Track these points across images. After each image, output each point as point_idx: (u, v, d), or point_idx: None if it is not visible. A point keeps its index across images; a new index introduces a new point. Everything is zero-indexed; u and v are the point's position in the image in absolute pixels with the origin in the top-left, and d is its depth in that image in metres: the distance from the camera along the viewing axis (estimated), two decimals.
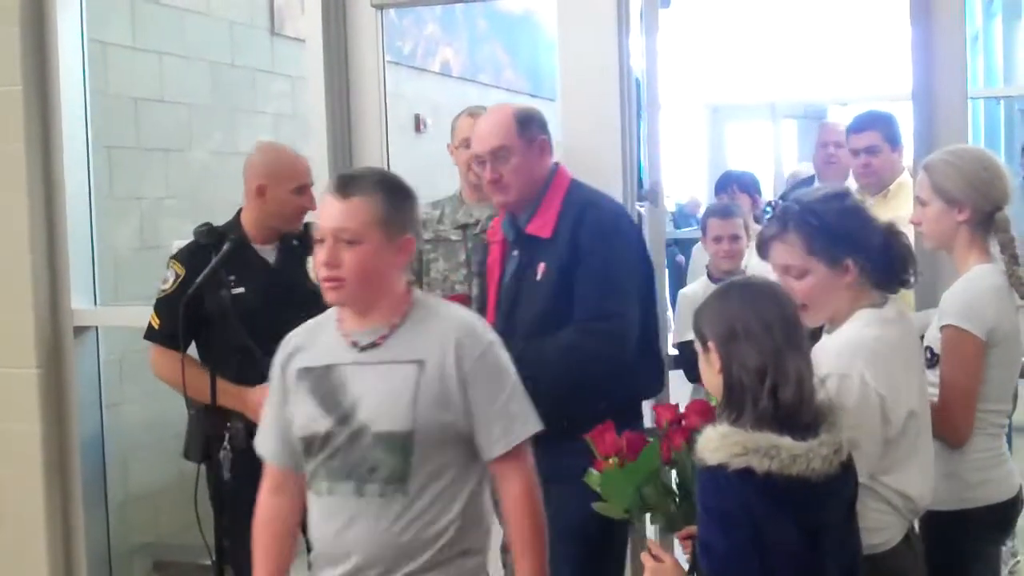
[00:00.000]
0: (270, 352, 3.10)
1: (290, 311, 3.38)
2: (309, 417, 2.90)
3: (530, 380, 3.03)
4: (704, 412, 2.76)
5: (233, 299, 3.87)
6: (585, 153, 4.26)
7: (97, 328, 5.13)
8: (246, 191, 4.06)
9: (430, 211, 4.39)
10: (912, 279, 2.96)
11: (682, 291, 5.32)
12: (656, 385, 3.93)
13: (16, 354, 4.95)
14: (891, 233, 2.91)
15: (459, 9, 9.33)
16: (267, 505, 3.09)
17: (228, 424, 3.89)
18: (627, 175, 4.32)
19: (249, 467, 3.31)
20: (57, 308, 5.01)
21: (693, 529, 2.64)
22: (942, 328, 3.15)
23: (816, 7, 12.26)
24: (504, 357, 2.93)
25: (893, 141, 4.74)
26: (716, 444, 2.37)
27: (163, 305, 3.98)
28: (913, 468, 2.82)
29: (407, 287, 2.96)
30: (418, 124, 8.42)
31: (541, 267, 3.63)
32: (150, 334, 4.03)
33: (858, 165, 4.81)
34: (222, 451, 3.90)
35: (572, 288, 3.58)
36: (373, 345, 2.88)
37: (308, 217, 4.08)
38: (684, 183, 13.96)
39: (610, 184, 4.24)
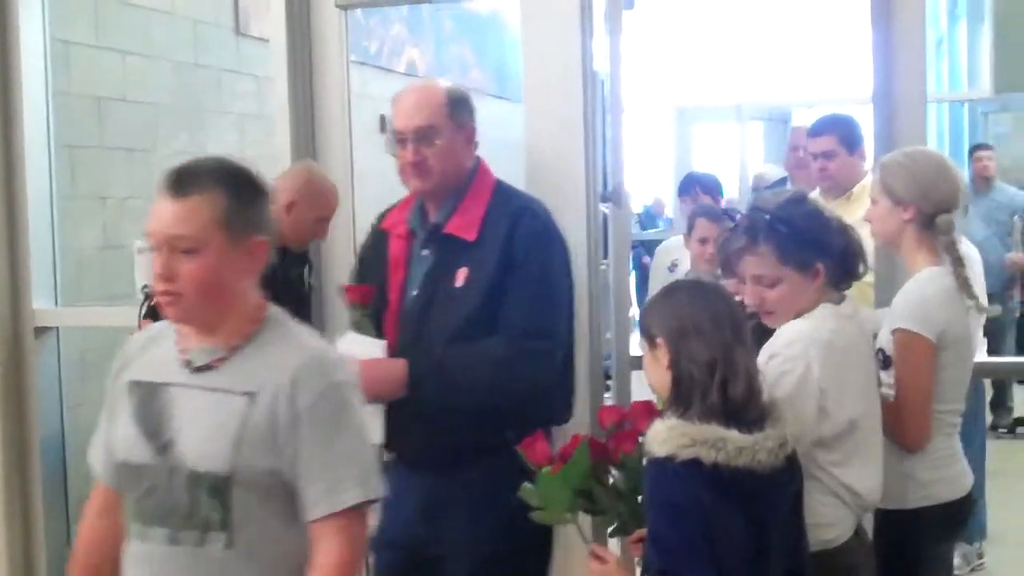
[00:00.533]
0: None
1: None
2: (128, 441, 2.54)
3: (445, 391, 3.01)
4: (650, 412, 2.78)
5: None
6: (548, 154, 4.27)
7: (58, 328, 5.10)
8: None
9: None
10: (864, 271, 3.02)
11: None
12: (566, 412, 3.57)
13: None
14: (845, 228, 2.98)
15: (425, 9, 9.33)
16: (90, 528, 2.75)
17: None
18: (590, 176, 4.32)
19: None
20: (18, 308, 4.97)
21: (643, 532, 2.65)
22: (893, 331, 3.18)
23: (782, 10, 12.32)
24: (353, 403, 2.51)
25: (851, 145, 4.76)
26: (664, 436, 2.41)
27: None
28: (861, 464, 2.86)
29: (262, 301, 2.60)
30: (383, 124, 8.41)
31: (462, 273, 3.30)
32: None
33: (815, 169, 4.84)
34: None
35: (500, 300, 3.26)
36: (208, 367, 2.51)
37: None
38: (650, 185, 14.01)
39: (573, 185, 4.25)
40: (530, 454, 2.84)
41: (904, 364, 3.16)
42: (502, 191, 3.48)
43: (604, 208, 4.60)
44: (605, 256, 5.04)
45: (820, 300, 2.91)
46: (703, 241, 4.99)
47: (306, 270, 4.32)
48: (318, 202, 4.22)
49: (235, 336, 2.51)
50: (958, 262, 3.25)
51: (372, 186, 6.54)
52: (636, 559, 2.76)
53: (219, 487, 2.42)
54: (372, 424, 3.05)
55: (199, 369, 2.50)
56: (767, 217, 2.92)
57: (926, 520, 3.23)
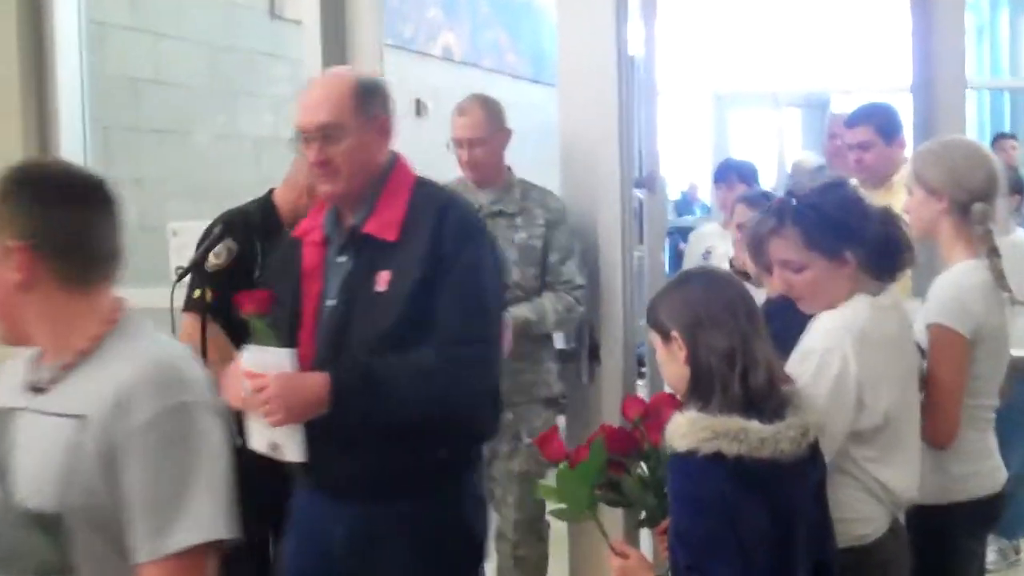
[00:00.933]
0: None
1: None
2: None
3: (374, 406, 2.78)
4: (674, 403, 2.70)
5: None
6: (582, 139, 4.25)
7: None
8: (293, 176, 3.99)
9: None
10: (908, 263, 2.93)
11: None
12: (495, 424, 3.22)
13: None
14: (887, 219, 2.88)
15: None
16: None
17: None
18: (625, 161, 4.31)
19: None
20: None
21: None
22: (928, 326, 3.13)
23: None
24: (198, 428, 2.07)
25: (889, 134, 4.62)
26: (685, 430, 2.36)
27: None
28: (897, 460, 2.80)
29: (116, 303, 2.21)
30: (419, 109, 8.40)
31: (384, 276, 2.93)
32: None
33: (852, 160, 4.76)
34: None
35: (428, 304, 2.92)
36: (47, 387, 2.14)
37: None
38: (687, 171, 13.95)
39: (607, 171, 4.24)
40: (546, 451, 2.79)
41: (938, 360, 3.11)
42: (423, 187, 3.10)
43: (638, 194, 4.58)
44: (640, 242, 5.03)
45: (856, 290, 2.85)
46: (741, 227, 4.86)
47: None
48: None
49: (80, 343, 2.13)
50: (994, 252, 3.19)
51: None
52: (663, 549, 2.73)
53: (51, 526, 2.06)
54: (290, 442, 2.87)
55: (39, 390, 2.14)
56: (795, 201, 2.87)
57: (958, 515, 3.19)
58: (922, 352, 3.11)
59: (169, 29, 5.98)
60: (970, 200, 3.19)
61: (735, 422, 2.33)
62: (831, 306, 2.85)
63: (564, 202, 4.32)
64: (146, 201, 5.79)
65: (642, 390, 4.87)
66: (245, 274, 3.73)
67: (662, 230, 4.60)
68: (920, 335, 3.14)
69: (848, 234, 2.81)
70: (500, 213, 4.30)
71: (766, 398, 2.40)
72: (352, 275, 2.99)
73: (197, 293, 3.85)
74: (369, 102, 3.01)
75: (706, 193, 12.88)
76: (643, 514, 2.73)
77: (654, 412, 2.72)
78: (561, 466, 2.71)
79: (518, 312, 4.17)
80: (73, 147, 5.00)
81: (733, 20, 12.74)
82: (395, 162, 3.08)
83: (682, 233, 9.91)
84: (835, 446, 2.71)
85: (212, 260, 3.85)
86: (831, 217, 2.81)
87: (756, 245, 3.01)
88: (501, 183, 4.36)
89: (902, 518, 2.99)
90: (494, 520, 4.39)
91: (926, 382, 3.09)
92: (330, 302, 3.01)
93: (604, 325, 4.28)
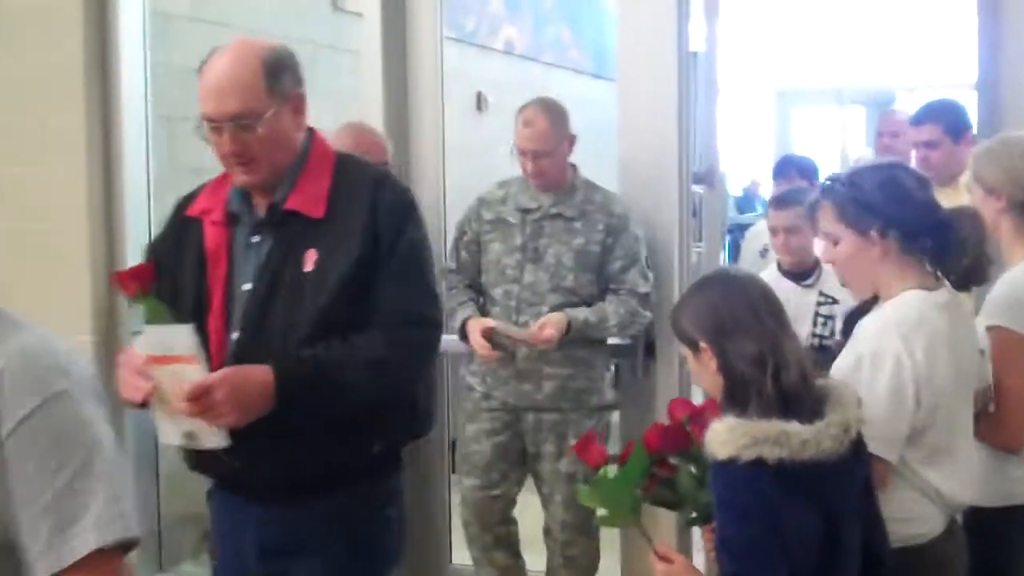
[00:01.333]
0: None
1: None
2: None
3: (323, 400, 2.61)
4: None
5: None
6: (642, 134, 4.24)
7: None
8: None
9: (495, 191, 4.40)
10: (977, 272, 2.81)
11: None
12: (431, 419, 3.14)
13: (72, 322, 4.97)
14: (957, 216, 2.80)
15: None
16: None
17: None
18: (683, 157, 4.29)
19: None
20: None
21: None
22: (989, 329, 3.07)
23: None
24: (83, 417, 1.83)
25: (956, 133, 4.54)
26: (724, 437, 2.33)
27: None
28: (945, 462, 2.75)
29: None
30: (480, 103, 8.40)
31: (311, 255, 2.71)
32: None
33: (917, 159, 4.67)
34: None
35: (365, 284, 2.70)
36: None
37: None
38: (749, 168, 13.87)
39: (666, 166, 4.22)
40: (585, 457, 2.69)
41: (1001, 363, 3.05)
42: (347, 161, 2.91)
43: (697, 190, 4.56)
44: (699, 239, 5.00)
45: (905, 278, 2.76)
46: (774, 232, 4.55)
47: None
48: (371, 153, 4.17)
49: None
50: None
51: (469, 163, 6.56)
52: (709, 550, 2.70)
53: None
54: (209, 428, 2.62)
55: None
56: (839, 176, 2.86)
57: (1018, 518, 3.15)
58: (982, 353, 3.05)
59: (232, 20, 6.01)
60: None
61: (774, 426, 2.30)
62: (873, 290, 2.82)
63: (627, 206, 4.25)
64: None
65: (698, 389, 4.84)
66: None
67: (721, 227, 4.57)
68: (981, 337, 3.09)
69: (877, 213, 2.76)
70: (559, 216, 4.25)
71: (802, 397, 2.37)
72: (272, 256, 2.76)
73: None
74: (279, 79, 2.79)
75: (768, 190, 12.79)
76: (693, 513, 2.71)
77: (700, 415, 2.69)
78: (601, 472, 2.65)
79: (576, 313, 4.14)
80: (136, 137, 5.04)
81: (797, 17, 12.63)
82: (312, 137, 2.89)
83: (743, 230, 9.85)
84: (899, 441, 2.68)
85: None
86: (863, 193, 2.78)
87: (814, 220, 3.01)
88: (564, 185, 4.30)
89: (960, 519, 2.95)
90: (541, 516, 4.39)
91: (993, 386, 3.04)
92: (245, 286, 2.77)
93: (660, 322, 4.26)
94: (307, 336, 2.67)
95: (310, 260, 2.72)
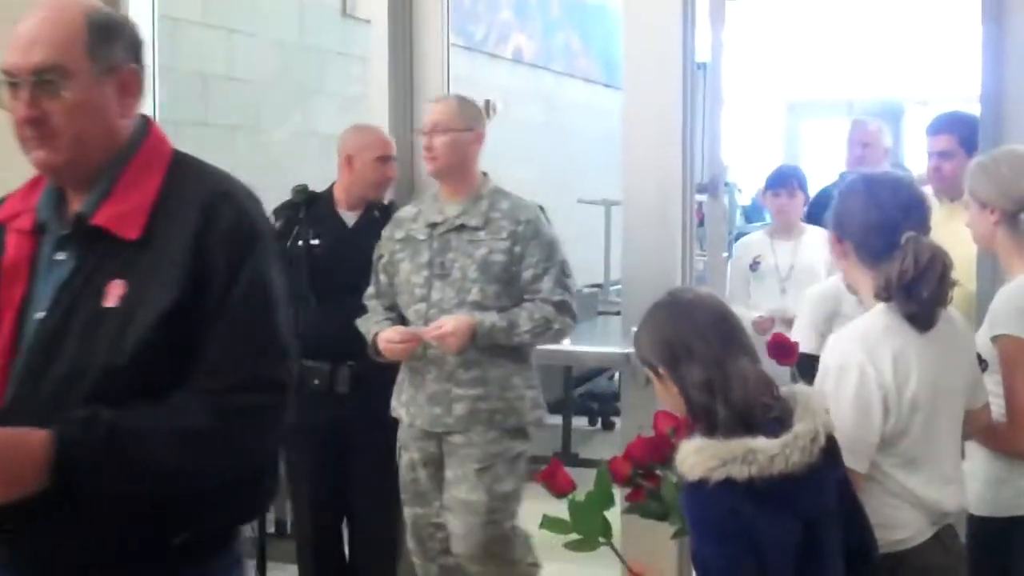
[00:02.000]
0: (324, 303, 3.97)
1: (355, 272, 4.12)
2: None
3: (116, 480, 1.99)
4: None
5: (308, 248, 4.26)
6: (646, 143, 4.24)
7: None
8: (339, 163, 4.42)
9: (408, 208, 4.23)
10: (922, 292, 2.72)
11: (809, 291, 4.64)
12: (273, 494, 2.35)
13: None
14: (910, 240, 2.72)
15: None
16: None
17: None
18: (687, 167, 4.30)
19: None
20: None
21: None
22: (995, 338, 3.07)
23: (895, 4, 12.10)
24: None
25: (971, 146, 4.34)
26: (693, 460, 2.33)
27: None
28: (926, 469, 2.75)
29: None
30: (488, 111, 8.41)
31: (116, 287, 2.07)
32: None
33: (930, 168, 4.64)
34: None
35: (185, 331, 2.05)
36: None
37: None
38: (758, 179, 13.88)
39: (670, 175, 4.23)
40: (552, 485, 2.69)
41: (1010, 370, 3.04)
42: (183, 166, 2.27)
43: (702, 199, 4.57)
44: (701, 248, 5.01)
45: (874, 287, 2.75)
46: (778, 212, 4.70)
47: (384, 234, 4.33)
48: (369, 144, 4.42)
49: None
50: None
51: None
52: None
53: None
54: None
55: None
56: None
57: (1017, 530, 3.14)
58: (984, 362, 3.05)
59: (241, 26, 6.04)
60: (1018, 210, 3.15)
61: (741, 445, 2.30)
62: (864, 301, 2.86)
63: (537, 212, 4.10)
64: None
65: None
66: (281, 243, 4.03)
67: (724, 236, 4.57)
68: (983, 348, 3.09)
69: (839, 223, 2.86)
70: (462, 227, 4.02)
71: (755, 413, 2.37)
72: (72, 281, 2.12)
73: None
74: (108, 43, 2.18)
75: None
76: (681, 524, 2.72)
77: (685, 426, 2.72)
78: (570, 498, 2.67)
79: (483, 317, 3.91)
80: None
81: (807, 29, 12.63)
82: (147, 130, 2.29)
83: None
84: (868, 452, 2.69)
85: None
86: (836, 203, 2.88)
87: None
88: (470, 192, 4.08)
89: (962, 530, 2.94)
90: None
91: (1005, 395, 3.04)
92: (38, 315, 2.13)
93: None
94: (96, 390, 2.03)
95: (114, 293, 2.08)
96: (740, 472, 2.28)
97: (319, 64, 6.62)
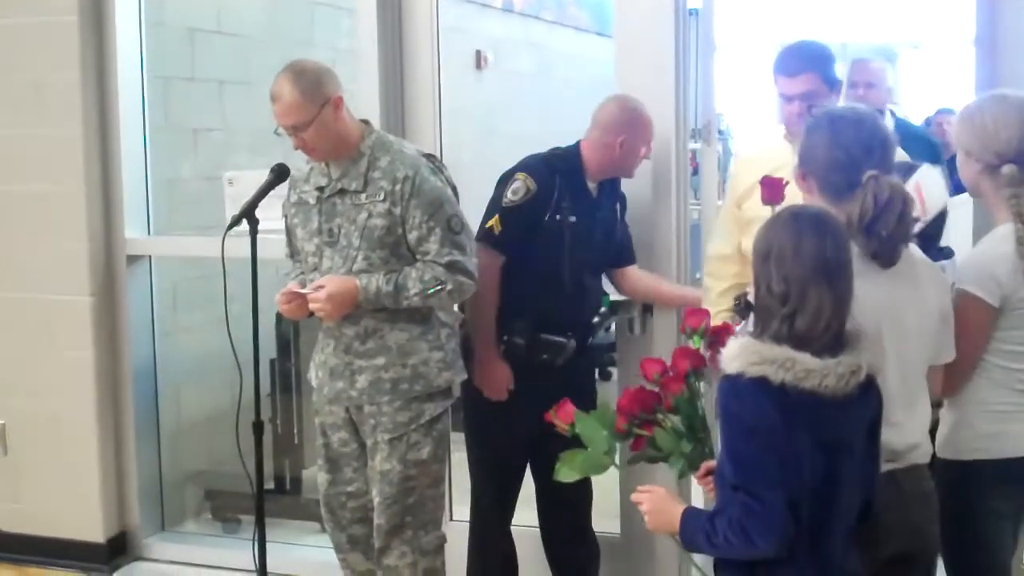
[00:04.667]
0: (576, 278, 3.94)
1: (601, 247, 4.09)
2: None
3: None
4: (690, 356, 2.91)
5: (570, 227, 4.07)
6: (638, 91, 4.21)
7: (151, 257, 5.18)
8: (600, 137, 4.13)
9: (303, 168, 3.92)
10: (885, 245, 2.75)
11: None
12: None
13: (70, 282, 5.00)
14: (870, 179, 2.73)
15: None
16: None
17: (505, 337, 4.10)
18: (680, 114, 4.29)
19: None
20: (110, 237, 5.07)
21: (711, 464, 2.75)
22: (956, 290, 3.07)
23: None
24: None
25: (833, 83, 3.93)
26: (735, 354, 2.47)
27: (512, 212, 4.04)
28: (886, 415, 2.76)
29: None
30: (479, 61, 8.36)
31: None
32: (485, 236, 4.06)
33: (789, 113, 3.92)
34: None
35: None
36: None
37: None
38: (754, 124, 13.83)
39: (663, 122, 4.21)
40: (561, 417, 2.92)
41: (960, 324, 3.04)
42: None
43: (695, 146, 4.55)
44: (696, 196, 5.00)
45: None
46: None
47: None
48: (647, 135, 4.18)
49: None
50: (1019, 217, 3.12)
51: (468, 123, 6.54)
52: (707, 491, 2.80)
53: None
54: None
55: None
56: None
57: (981, 473, 3.15)
58: None
59: None
60: (999, 162, 3.13)
61: (784, 351, 2.43)
62: None
63: (418, 164, 3.76)
64: (203, 151, 5.83)
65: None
66: (538, 214, 4.02)
67: (717, 183, 4.55)
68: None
69: (803, 158, 2.87)
70: (343, 191, 3.77)
71: (813, 340, 2.45)
72: None
73: (490, 224, 4.06)
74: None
75: None
76: (681, 464, 2.78)
77: (672, 367, 2.80)
78: (580, 413, 2.90)
79: (368, 281, 3.69)
80: (131, 97, 5.05)
81: None
82: None
83: None
84: None
85: (509, 196, 4.03)
86: (802, 137, 2.89)
87: None
88: (351, 152, 3.76)
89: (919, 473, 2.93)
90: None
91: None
92: None
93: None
94: None
95: None
96: (775, 375, 2.41)
97: (308, 17, 6.56)
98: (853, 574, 2.60)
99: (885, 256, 2.74)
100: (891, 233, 2.71)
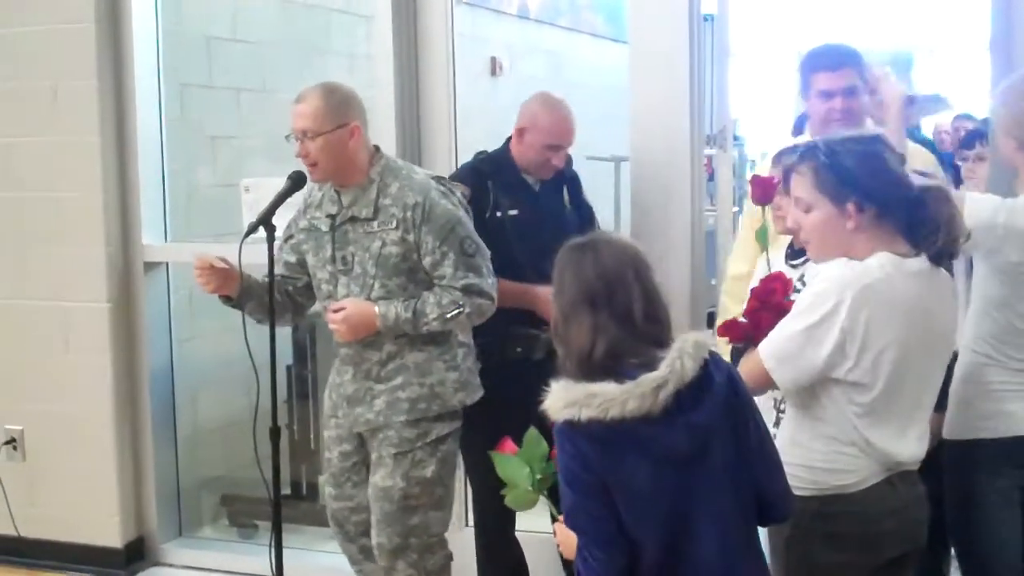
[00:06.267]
0: (536, 268, 3.53)
1: (553, 233, 3.68)
2: None
3: None
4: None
5: (510, 220, 4.09)
6: (653, 96, 4.22)
7: (167, 264, 5.20)
8: (515, 127, 4.18)
9: (315, 193, 3.91)
10: (946, 247, 2.78)
11: None
12: None
13: (87, 288, 5.03)
14: (927, 192, 2.77)
15: None
16: None
17: (479, 339, 4.01)
18: (695, 120, 4.28)
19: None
20: (128, 244, 5.09)
21: None
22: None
23: None
24: None
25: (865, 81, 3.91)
26: (549, 401, 2.47)
27: None
28: (892, 424, 2.77)
29: None
30: (494, 67, 8.37)
31: None
32: None
33: (827, 109, 3.88)
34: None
35: None
36: None
37: None
38: (770, 131, 13.82)
39: (678, 128, 4.21)
40: (502, 449, 2.90)
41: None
42: None
43: (710, 152, 4.55)
44: (711, 202, 5.00)
45: (878, 246, 2.75)
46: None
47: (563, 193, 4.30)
48: (545, 128, 4.13)
49: None
50: None
51: (483, 129, 6.54)
52: None
53: None
54: None
55: None
56: (819, 144, 2.83)
57: (982, 452, 3.19)
58: None
59: None
60: None
61: (583, 388, 2.43)
62: (837, 257, 2.82)
63: (427, 188, 3.73)
64: (220, 158, 5.85)
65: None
66: (478, 214, 3.95)
67: (733, 190, 4.55)
68: None
69: (854, 186, 2.76)
70: (353, 219, 3.77)
71: (598, 367, 2.46)
72: None
73: None
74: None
75: None
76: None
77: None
78: (491, 453, 2.86)
79: (388, 309, 3.69)
80: (148, 104, 5.08)
81: None
82: None
83: None
84: (800, 379, 2.75)
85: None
86: (841, 164, 2.77)
87: (784, 178, 3.02)
88: (359, 180, 3.76)
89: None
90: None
91: None
92: None
93: (672, 284, 4.26)
94: None
95: None
96: (579, 414, 2.41)
97: (324, 24, 6.58)
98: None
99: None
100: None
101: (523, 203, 4.13)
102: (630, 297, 2.51)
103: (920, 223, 2.75)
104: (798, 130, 6.04)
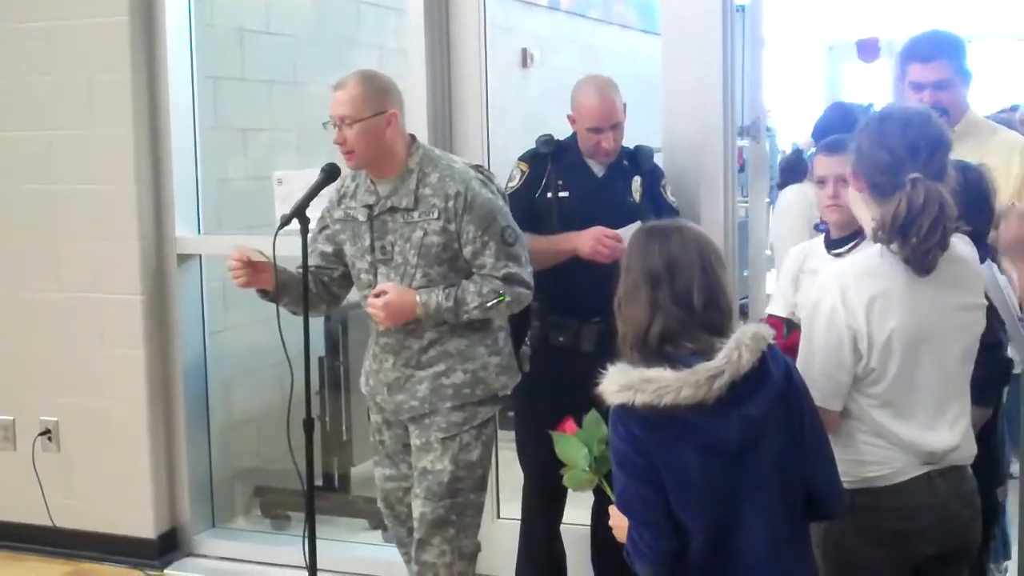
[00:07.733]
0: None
1: (608, 221, 3.91)
2: None
3: None
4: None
5: (558, 201, 4.09)
6: (686, 88, 4.21)
7: (200, 256, 5.22)
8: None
9: (349, 183, 3.90)
10: (917, 252, 2.66)
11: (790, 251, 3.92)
12: None
13: (121, 281, 5.06)
14: (911, 185, 2.65)
15: None
16: None
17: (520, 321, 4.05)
18: (727, 111, 4.26)
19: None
20: (161, 236, 5.11)
21: None
22: None
23: None
24: None
25: (964, 74, 3.90)
26: (604, 384, 2.51)
27: (510, 199, 4.02)
28: (914, 414, 2.76)
29: None
30: (525, 59, 8.36)
31: None
32: None
33: (920, 101, 3.78)
34: (523, 347, 4.13)
35: None
36: None
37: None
38: (800, 122, 13.77)
39: (710, 120, 4.19)
40: (563, 429, 2.97)
41: None
42: None
43: (743, 143, 4.53)
44: (743, 194, 4.98)
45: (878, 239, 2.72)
46: (821, 181, 3.57)
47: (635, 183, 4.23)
48: (584, 113, 4.13)
49: None
50: None
51: (515, 120, 6.54)
52: None
53: None
54: None
55: None
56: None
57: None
58: None
59: None
60: None
61: (638, 373, 2.46)
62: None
63: (468, 177, 3.73)
64: (252, 150, 5.86)
65: None
66: (532, 193, 4.11)
67: (765, 179, 4.54)
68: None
69: (855, 158, 2.82)
70: (392, 209, 3.76)
71: (653, 352, 2.50)
72: None
73: None
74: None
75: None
76: None
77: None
78: (552, 432, 2.96)
79: (429, 297, 3.69)
80: (182, 97, 5.10)
81: None
82: None
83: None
84: (839, 391, 2.75)
85: (508, 184, 4.15)
86: (860, 142, 2.81)
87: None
88: (397, 170, 3.75)
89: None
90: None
91: None
92: None
93: None
94: None
95: None
96: (634, 398, 2.44)
97: (355, 17, 6.58)
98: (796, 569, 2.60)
99: (917, 263, 2.67)
100: (923, 239, 2.63)
101: (579, 187, 4.13)
102: (691, 283, 2.53)
103: (895, 215, 2.66)
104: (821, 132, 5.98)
